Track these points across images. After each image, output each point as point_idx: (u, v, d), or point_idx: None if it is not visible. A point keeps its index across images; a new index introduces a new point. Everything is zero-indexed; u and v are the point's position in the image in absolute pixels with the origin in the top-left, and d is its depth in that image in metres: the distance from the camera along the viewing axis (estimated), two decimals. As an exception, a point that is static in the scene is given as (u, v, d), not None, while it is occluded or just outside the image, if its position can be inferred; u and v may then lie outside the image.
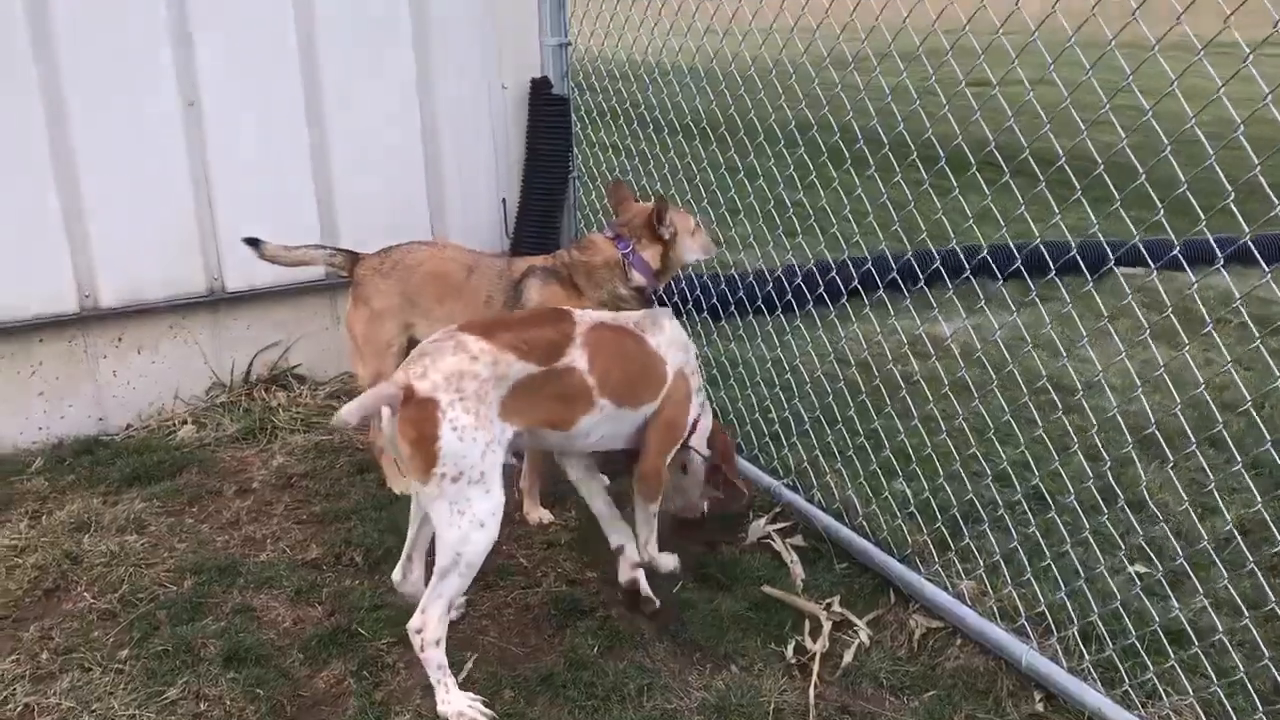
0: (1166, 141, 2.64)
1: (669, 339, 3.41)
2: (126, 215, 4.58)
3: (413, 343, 4.02)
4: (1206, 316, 2.79)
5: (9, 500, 4.09)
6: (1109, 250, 2.96)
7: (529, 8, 5.13)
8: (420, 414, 2.78)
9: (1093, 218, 2.88)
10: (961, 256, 3.49)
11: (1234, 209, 2.58)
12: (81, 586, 3.52)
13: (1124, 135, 2.78)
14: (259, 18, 4.70)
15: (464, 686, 2.98)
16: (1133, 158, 2.83)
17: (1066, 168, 2.96)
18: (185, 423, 4.74)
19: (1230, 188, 2.52)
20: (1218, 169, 2.56)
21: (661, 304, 4.02)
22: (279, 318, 5.05)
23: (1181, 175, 2.66)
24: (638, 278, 3.85)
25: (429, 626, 2.87)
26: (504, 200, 5.38)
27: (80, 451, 4.49)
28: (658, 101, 5.00)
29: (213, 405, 4.86)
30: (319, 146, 4.92)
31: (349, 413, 2.71)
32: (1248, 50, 2.43)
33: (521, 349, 2.99)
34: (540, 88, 5.19)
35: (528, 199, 5.29)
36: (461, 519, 2.82)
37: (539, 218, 5.26)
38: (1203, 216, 2.58)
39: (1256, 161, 2.45)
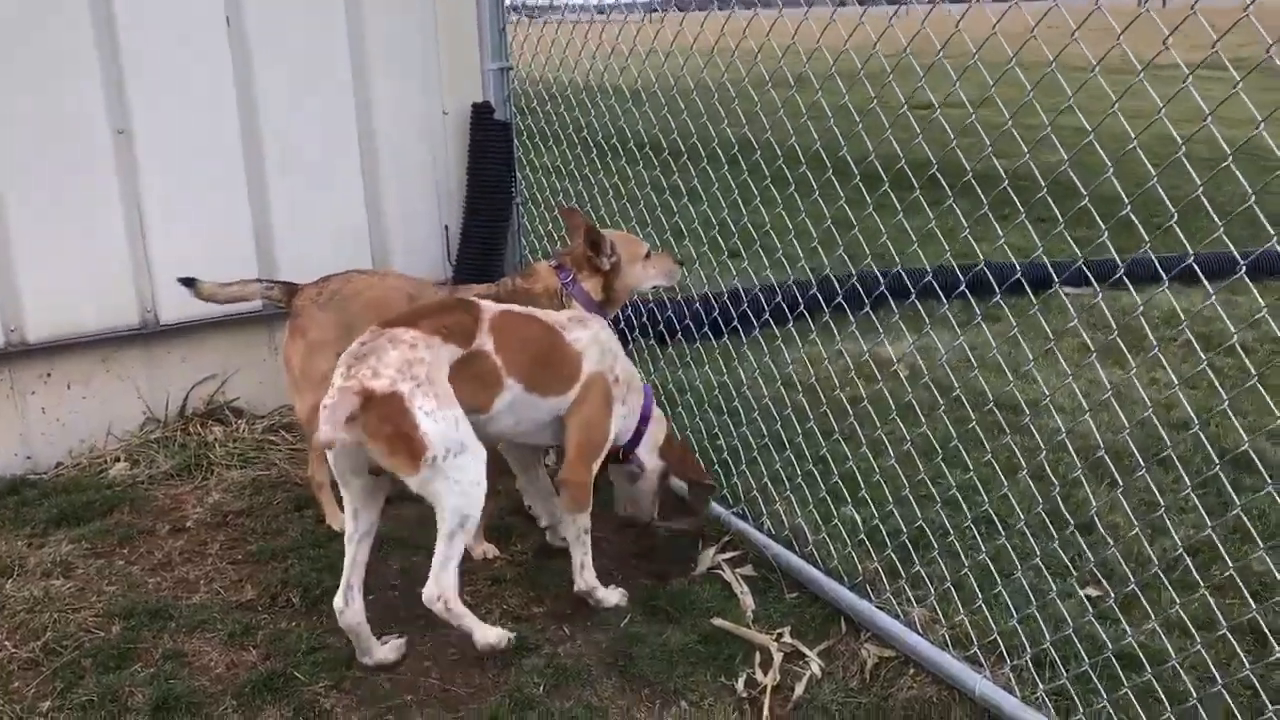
0: (1109, 163, 2.63)
1: (591, 338, 3.47)
2: (54, 246, 4.43)
3: None
4: (1152, 338, 2.77)
5: (-72, 545, 3.93)
6: (1053, 271, 2.94)
7: (469, 32, 5.06)
8: (390, 409, 2.88)
9: (1036, 240, 2.86)
10: (906, 279, 3.45)
11: (1176, 229, 2.57)
12: (2, 635, 3.36)
13: (1066, 156, 2.76)
14: (192, 43, 4.58)
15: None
16: (1074, 178, 2.80)
17: (1009, 189, 2.94)
18: (118, 460, 4.59)
19: (1173, 207, 2.51)
20: (1160, 189, 2.56)
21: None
22: (215, 350, 4.91)
23: (1124, 195, 2.65)
24: (579, 307, 3.80)
25: (447, 590, 3.04)
26: (446, 227, 5.29)
27: (6, 492, 4.32)
28: (600, 125, 4.95)
29: (147, 441, 4.71)
30: (255, 174, 4.81)
31: (329, 432, 2.77)
32: (1186, 70, 2.42)
33: (444, 333, 3.09)
34: (482, 112, 5.12)
35: (470, 225, 5.21)
36: (460, 486, 2.97)
37: (482, 244, 5.18)
38: (1146, 238, 2.55)
39: (1199, 181, 2.43)
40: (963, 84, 2.94)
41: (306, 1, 4.79)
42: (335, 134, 4.96)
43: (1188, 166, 2.43)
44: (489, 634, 3.15)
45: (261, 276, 4.47)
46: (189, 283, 4.02)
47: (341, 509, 3.23)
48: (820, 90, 3.54)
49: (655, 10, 4.51)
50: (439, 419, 2.92)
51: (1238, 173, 2.34)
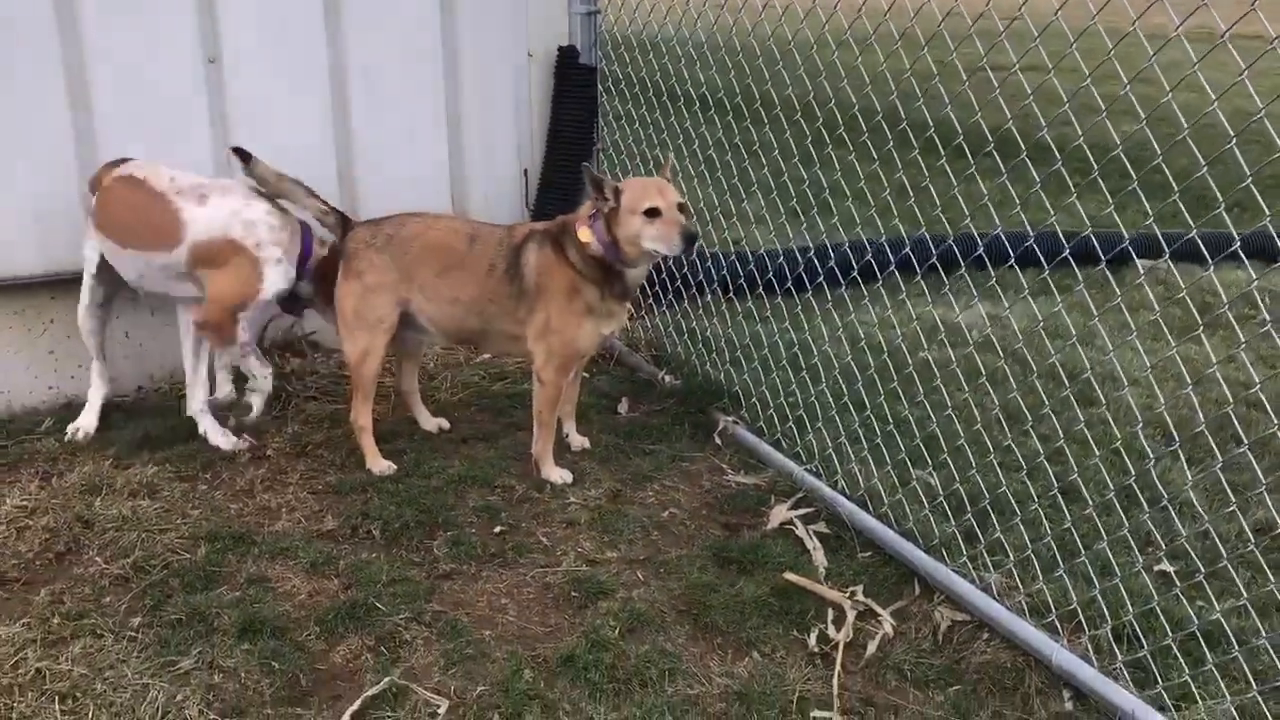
0: (1186, 128, 2.59)
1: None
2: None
3: (405, 318, 3.98)
4: (1268, 316, 2.72)
5: (19, 459, 4.03)
6: (1164, 242, 2.88)
7: (558, -28, 5.04)
8: None
9: (1149, 209, 2.82)
10: (1006, 244, 3.41)
11: (1261, 202, 2.52)
12: (93, 550, 3.46)
13: (1143, 122, 2.72)
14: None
15: (480, 663, 2.94)
16: (1155, 145, 2.77)
17: (1088, 157, 2.91)
18: (197, 387, 4.66)
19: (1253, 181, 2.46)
20: (1240, 159, 2.51)
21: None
22: (294, 282, 4.95)
23: (1207, 167, 2.61)
24: (595, 245, 3.77)
25: None
26: (525, 171, 5.29)
27: (91, 412, 4.41)
28: (690, 75, 4.90)
29: (224, 370, 4.77)
30: (340, 111, 4.82)
31: None
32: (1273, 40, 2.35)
33: None
34: (567, 56, 5.10)
35: (550, 170, 5.21)
36: None
37: (561, 190, 5.18)
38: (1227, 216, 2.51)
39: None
40: (1040, 47, 2.91)
41: (396, -63, 4.78)
42: (420, 73, 4.95)
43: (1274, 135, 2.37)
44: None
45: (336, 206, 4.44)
46: (244, 156, 4.02)
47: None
48: (898, 44, 3.49)
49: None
50: None
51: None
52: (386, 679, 2.89)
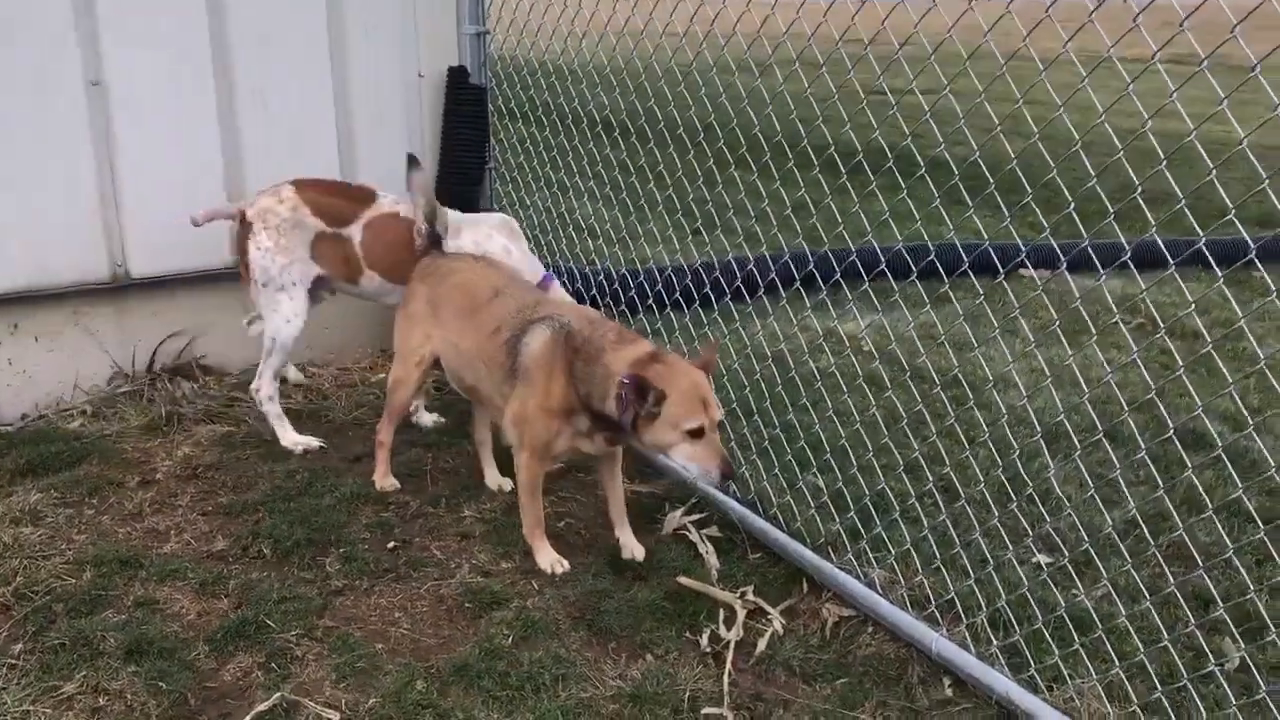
0: (1051, 159, 2.72)
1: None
2: (23, 198, 4.40)
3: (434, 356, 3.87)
4: (1117, 319, 2.87)
5: (-106, 492, 3.91)
6: (1023, 250, 3.02)
7: (447, -5, 5.08)
8: None
9: (981, 225, 2.95)
10: (879, 254, 3.53)
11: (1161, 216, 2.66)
12: (-29, 580, 3.38)
13: (1030, 143, 2.86)
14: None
15: (372, 676, 2.95)
16: (1019, 173, 2.90)
17: (962, 177, 3.04)
18: (84, 413, 4.58)
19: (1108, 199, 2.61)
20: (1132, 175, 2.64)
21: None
22: (185, 307, 4.90)
23: (1065, 188, 2.74)
24: (612, 409, 3.36)
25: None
26: (418, 192, 5.30)
27: (-29, 442, 4.31)
28: (590, 97, 4.97)
29: (114, 395, 4.70)
30: (230, 135, 4.79)
31: None
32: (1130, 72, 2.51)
33: None
34: (457, 76, 5.14)
35: (442, 189, 5.23)
36: None
37: (454, 208, 5.19)
38: (1082, 230, 2.65)
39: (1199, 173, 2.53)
40: (924, 75, 3.04)
41: (283, -41, 4.78)
42: (311, 94, 4.94)
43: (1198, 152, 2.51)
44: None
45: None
46: (413, 162, 4.17)
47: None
48: (796, 67, 3.61)
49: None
50: None
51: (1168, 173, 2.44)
52: (277, 694, 2.88)
